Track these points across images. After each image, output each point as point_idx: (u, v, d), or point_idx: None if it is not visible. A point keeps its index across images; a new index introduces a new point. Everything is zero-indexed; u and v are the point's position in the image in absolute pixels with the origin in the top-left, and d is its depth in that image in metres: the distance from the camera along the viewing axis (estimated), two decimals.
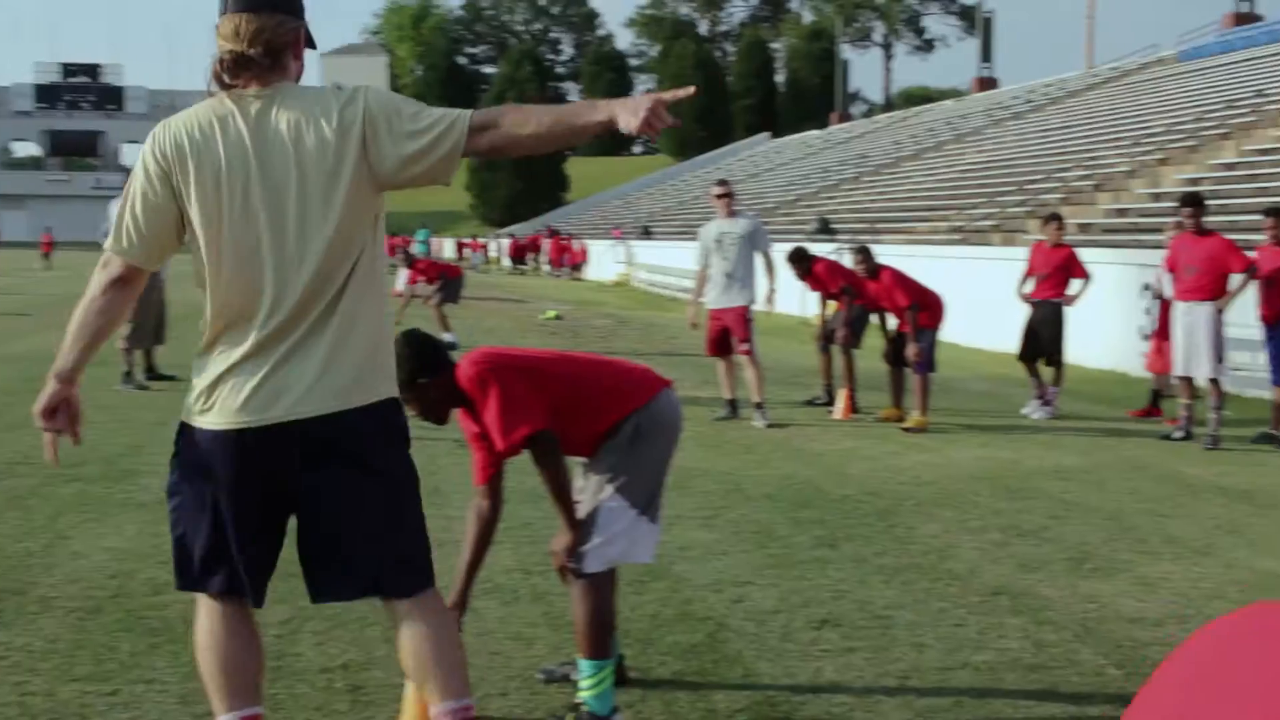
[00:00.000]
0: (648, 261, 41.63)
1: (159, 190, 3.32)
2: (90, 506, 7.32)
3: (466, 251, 62.72)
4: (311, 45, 3.49)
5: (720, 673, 4.78)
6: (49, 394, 3.40)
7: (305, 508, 3.40)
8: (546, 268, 54.43)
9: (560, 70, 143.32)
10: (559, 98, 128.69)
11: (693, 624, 5.36)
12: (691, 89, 3.46)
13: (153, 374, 13.61)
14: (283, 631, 5.09)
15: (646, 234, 49.16)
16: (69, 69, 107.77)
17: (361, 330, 3.37)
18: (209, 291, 3.35)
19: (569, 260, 51.97)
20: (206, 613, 3.52)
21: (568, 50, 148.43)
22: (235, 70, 3.31)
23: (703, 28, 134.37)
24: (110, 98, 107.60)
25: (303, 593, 5.56)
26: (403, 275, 20.17)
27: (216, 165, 3.27)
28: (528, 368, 4.24)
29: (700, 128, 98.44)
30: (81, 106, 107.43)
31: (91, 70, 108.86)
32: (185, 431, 3.42)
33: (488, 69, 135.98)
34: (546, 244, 56.60)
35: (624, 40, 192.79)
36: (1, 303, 26.05)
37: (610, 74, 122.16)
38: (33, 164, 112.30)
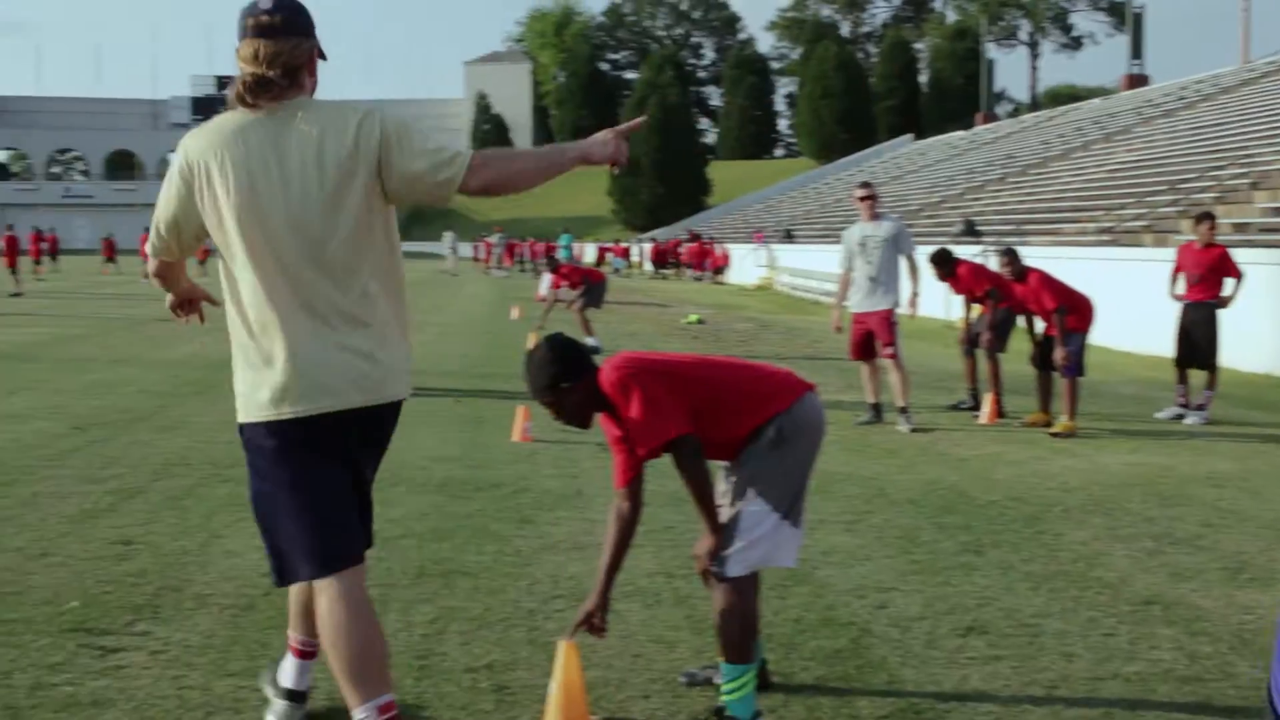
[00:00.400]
0: (790, 265, 41.50)
1: (180, 201, 3.64)
2: (243, 506, 7.43)
3: (608, 256, 62.99)
4: (322, 57, 3.72)
5: (864, 679, 4.74)
6: (172, 298, 4.16)
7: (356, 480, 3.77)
8: (689, 271, 54.45)
9: (702, 75, 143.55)
10: (701, 103, 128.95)
11: (836, 629, 5.32)
12: (644, 118, 4.16)
13: None
14: (429, 631, 5.17)
15: (789, 237, 48.98)
16: (223, 81, 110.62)
17: (393, 327, 3.70)
18: (237, 291, 3.61)
19: (710, 264, 51.94)
20: (327, 604, 3.61)
21: (709, 54, 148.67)
22: (257, 91, 3.55)
23: (845, 29, 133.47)
24: None
25: (448, 594, 5.66)
26: (546, 280, 20.38)
27: (240, 168, 3.50)
28: (669, 372, 4.25)
29: (842, 130, 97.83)
30: None
31: None
32: (255, 431, 3.66)
33: (629, 75, 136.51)
34: (685, 248, 56.58)
35: (765, 43, 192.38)
36: (162, 309, 26.79)
37: (752, 77, 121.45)
38: None
